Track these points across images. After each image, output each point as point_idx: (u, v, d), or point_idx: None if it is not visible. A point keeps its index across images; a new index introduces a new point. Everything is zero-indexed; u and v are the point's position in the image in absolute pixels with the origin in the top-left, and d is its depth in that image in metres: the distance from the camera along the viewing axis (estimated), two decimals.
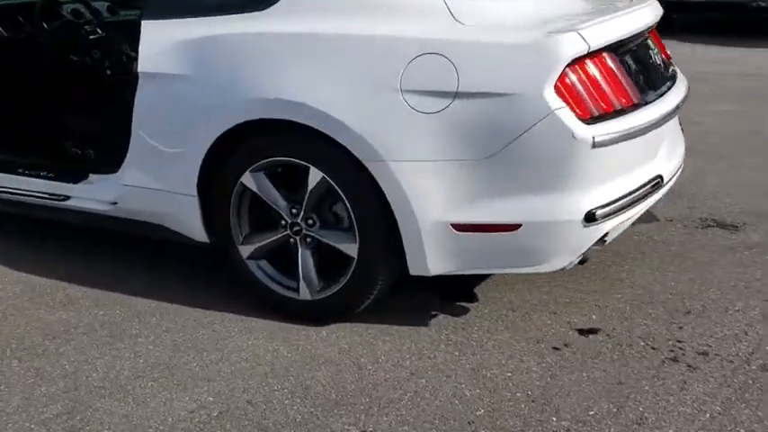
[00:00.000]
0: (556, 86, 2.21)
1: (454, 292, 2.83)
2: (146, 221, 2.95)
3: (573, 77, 2.25)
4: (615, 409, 2.20)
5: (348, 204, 2.46)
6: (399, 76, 2.31)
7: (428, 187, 2.33)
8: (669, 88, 2.67)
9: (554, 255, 2.36)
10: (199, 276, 3.04)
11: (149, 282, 3.02)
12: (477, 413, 2.19)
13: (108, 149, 3.28)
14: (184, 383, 2.36)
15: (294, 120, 2.43)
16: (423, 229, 2.37)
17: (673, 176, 2.73)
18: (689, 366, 2.40)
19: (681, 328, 2.63)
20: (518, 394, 2.27)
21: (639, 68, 2.56)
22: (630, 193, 2.43)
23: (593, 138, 2.21)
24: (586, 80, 2.28)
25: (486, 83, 2.25)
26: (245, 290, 2.82)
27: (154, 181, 2.84)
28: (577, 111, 2.23)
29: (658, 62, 2.77)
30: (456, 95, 2.26)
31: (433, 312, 2.76)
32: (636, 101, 2.44)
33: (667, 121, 2.56)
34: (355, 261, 2.52)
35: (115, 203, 2.99)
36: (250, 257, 2.73)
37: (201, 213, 2.76)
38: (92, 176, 3.15)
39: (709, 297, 2.84)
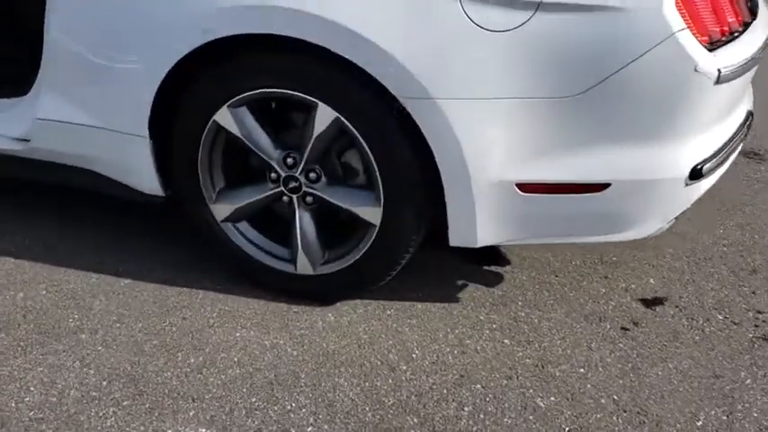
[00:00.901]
0: (676, 0, 1.61)
1: (478, 253, 2.28)
2: (72, 166, 2.20)
3: None
4: (725, 416, 1.75)
5: (372, 156, 1.81)
6: None
7: (490, 135, 1.72)
8: (756, 5, 2.13)
9: (643, 220, 1.84)
10: (155, 239, 2.34)
11: (86, 247, 2.29)
12: None
13: (6, 63, 2.46)
14: (161, 406, 1.72)
15: (300, 37, 1.72)
16: (477, 190, 1.77)
17: None
18: None
19: (754, 293, 2.21)
20: (602, 401, 1.78)
21: None
22: (731, 139, 1.91)
23: (719, 70, 1.65)
24: None
25: None
26: (219, 259, 2.17)
27: (83, 114, 2.08)
28: (698, 34, 1.65)
29: None
30: (539, 7, 1.62)
31: (460, 282, 2.22)
32: (745, 19, 1.89)
33: None
34: (377, 229, 1.90)
35: (26, 141, 2.22)
36: (226, 220, 2.06)
37: (155, 160, 2.04)
38: None
39: None
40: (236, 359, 1.87)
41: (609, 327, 2.04)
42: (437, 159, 1.75)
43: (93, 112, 2.06)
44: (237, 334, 1.96)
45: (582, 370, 1.88)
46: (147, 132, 1.99)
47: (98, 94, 2.03)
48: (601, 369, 1.88)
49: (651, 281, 2.25)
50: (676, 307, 2.13)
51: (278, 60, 1.80)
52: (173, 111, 1.96)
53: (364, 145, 1.81)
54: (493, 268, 2.27)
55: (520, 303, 2.12)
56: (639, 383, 1.84)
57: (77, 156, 2.16)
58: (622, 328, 2.03)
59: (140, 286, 2.14)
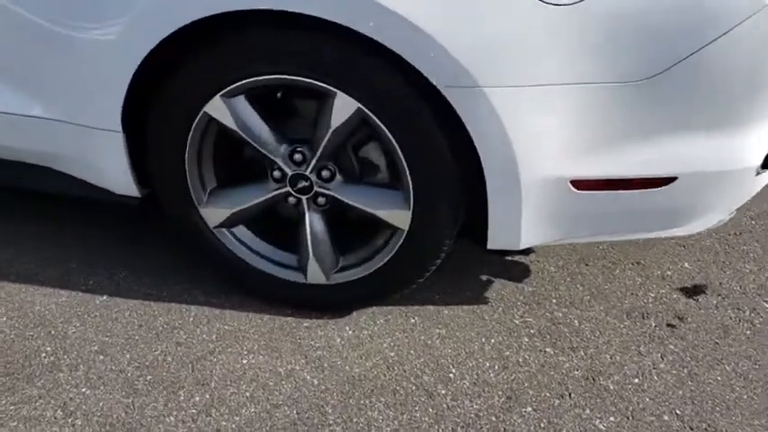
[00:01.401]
0: None
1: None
2: (25, 163, 1.86)
3: None
4: None
5: (401, 153, 1.54)
6: None
7: (545, 127, 1.47)
8: None
9: (707, 213, 1.64)
10: (128, 243, 2.02)
11: (48, 258, 1.96)
12: None
13: None
14: None
15: (313, 14, 1.41)
16: (525, 189, 1.52)
17: None
18: None
19: None
20: (665, 417, 1.61)
21: None
22: None
23: None
24: None
25: None
26: (210, 266, 1.87)
27: (38, 105, 1.73)
28: None
29: None
30: None
31: (485, 278, 1.99)
32: None
33: None
34: (404, 234, 1.65)
35: None
36: (221, 225, 1.76)
37: (129, 156, 1.71)
38: None
39: None
40: (248, 394, 1.60)
41: (654, 324, 1.85)
42: (481, 156, 1.49)
43: (52, 102, 1.71)
44: (245, 361, 1.69)
45: (636, 380, 1.69)
46: (119, 126, 1.66)
47: (58, 79, 1.67)
48: (656, 377, 1.70)
49: (686, 265, 2.08)
50: (719, 296, 1.96)
51: (288, 42, 1.48)
52: (149, 98, 1.63)
53: (392, 140, 1.53)
54: (517, 259, 2.05)
55: (554, 301, 1.91)
56: (700, 393, 1.67)
57: (31, 152, 1.81)
58: (668, 325, 1.85)
59: (119, 304, 1.84)
